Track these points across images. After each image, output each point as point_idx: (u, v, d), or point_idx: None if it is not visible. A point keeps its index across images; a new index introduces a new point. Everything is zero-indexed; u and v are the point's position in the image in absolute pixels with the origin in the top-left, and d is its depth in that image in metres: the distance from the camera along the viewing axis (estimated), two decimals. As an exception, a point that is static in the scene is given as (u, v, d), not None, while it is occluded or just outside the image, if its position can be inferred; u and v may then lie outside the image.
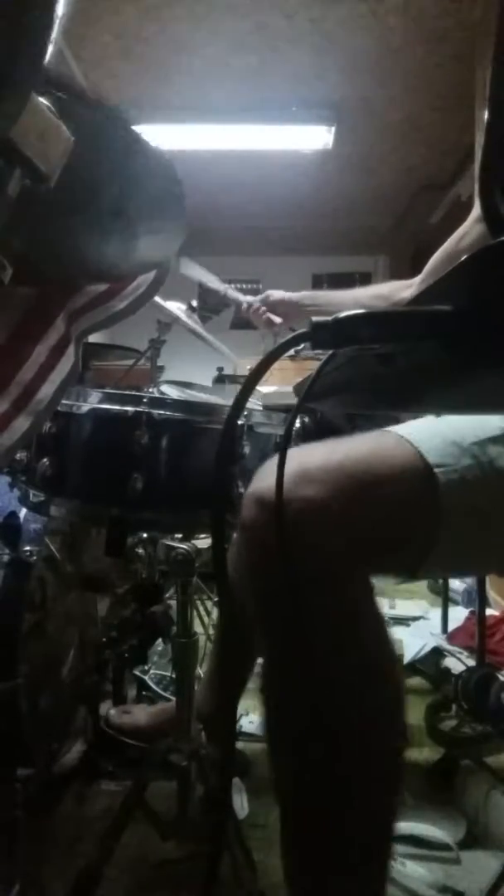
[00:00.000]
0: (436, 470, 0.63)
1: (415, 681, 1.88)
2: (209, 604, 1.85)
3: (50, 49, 0.33)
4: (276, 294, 1.51)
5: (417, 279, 1.32)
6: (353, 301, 1.43)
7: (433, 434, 0.68)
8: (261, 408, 1.03)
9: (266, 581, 0.62)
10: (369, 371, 0.45)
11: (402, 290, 1.35)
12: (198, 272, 1.64)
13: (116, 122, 0.44)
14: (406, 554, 0.66)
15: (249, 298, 1.55)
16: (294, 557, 0.59)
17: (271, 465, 0.64)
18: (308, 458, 0.64)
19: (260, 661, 1.34)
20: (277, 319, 1.49)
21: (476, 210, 1.09)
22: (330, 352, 0.43)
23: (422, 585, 2.72)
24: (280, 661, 0.66)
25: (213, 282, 1.67)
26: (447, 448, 0.66)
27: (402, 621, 2.33)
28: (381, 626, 0.65)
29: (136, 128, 0.45)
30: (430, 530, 0.63)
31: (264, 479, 0.62)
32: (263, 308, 1.50)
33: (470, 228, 1.11)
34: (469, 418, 0.73)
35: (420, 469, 0.64)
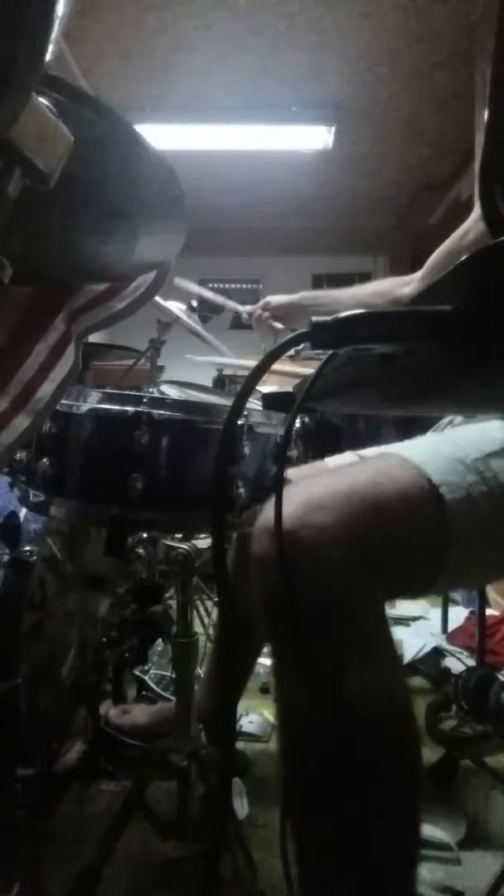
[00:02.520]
0: (441, 489, 0.63)
1: (415, 681, 1.88)
2: (209, 604, 1.85)
3: (50, 49, 0.33)
4: (275, 299, 1.51)
5: (417, 275, 1.32)
6: (352, 299, 1.43)
7: (435, 453, 0.68)
8: (260, 408, 1.03)
9: (281, 612, 0.61)
10: (369, 371, 0.45)
11: (401, 286, 1.35)
12: (193, 289, 1.65)
13: (115, 123, 0.44)
14: (418, 574, 0.66)
15: (248, 308, 1.56)
16: (306, 586, 0.58)
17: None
18: (314, 487, 0.64)
19: (260, 661, 1.35)
20: (279, 326, 1.50)
21: (478, 208, 1.09)
22: (330, 352, 0.43)
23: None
24: (297, 690, 0.64)
25: (210, 296, 1.68)
26: (451, 466, 0.66)
27: (402, 621, 2.33)
28: (393, 648, 0.65)
29: (136, 128, 0.45)
30: (440, 548, 0.63)
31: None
32: (266, 314, 1.51)
33: (472, 226, 1.11)
34: (471, 433, 0.73)
35: (426, 489, 0.64)
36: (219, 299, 1.68)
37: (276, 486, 0.57)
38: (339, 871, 0.62)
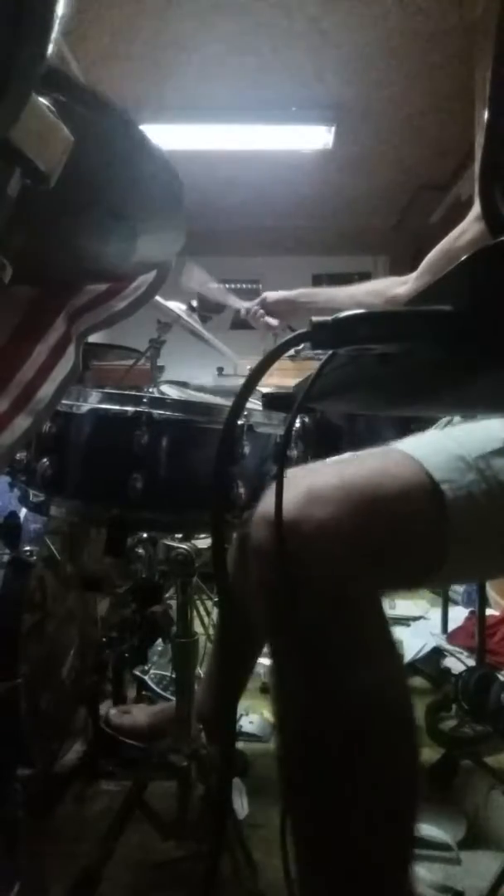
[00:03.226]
0: (442, 486, 0.63)
1: (415, 681, 1.88)
2: (209, 604, 1.85)
3: (50, 49, 0.33)
4: (273, 295, 1.52)
5: (413, 275, 1.32)
6: (348, 297, 1.43)
7: (438, 450, 0.68)
8: (261, 408, 1.03)
9: (278, 602, 0.62)
10: (369, 371, 0.45)
11: (398, 285, 1.35)
12: (199, 278, 1.65)
13: (118, 121, 0.44)
14: (416, 570, 0.66)
15: (247, 304, 1.57)
16: (305, 578, 0.59)
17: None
18: (316, 478, 0.64)
19: (260, 661, 1.35)
20: (275, 322, 1.51)
21: (475, 208, 1.09)
22: (330, 352, 0.43)
23: (422, 585, 2.71)
24: (293, 679, 0.65)
25: (213, 289, 1.68)
26: (453, 463, 0.66)
27: (402, 621, 2.33)
28: (392, 641, 0.65)
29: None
30: (439, 546, 0.63)
31: (273, 500, 0.62)
32: (262, 311, 1.51)
33: (468, 226, 1.12)
34: (473, 432, 0.73)
35: (427, 486, 0.64)
36: (221, 294, 1.68)
37: (276, 487, 0.57)
38: (337, 871, 0.62)
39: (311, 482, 0.63)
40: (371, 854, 0.62)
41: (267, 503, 0.63)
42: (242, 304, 1.60)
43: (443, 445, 0.69)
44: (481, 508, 0.64)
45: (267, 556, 0.61)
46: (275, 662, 0.68)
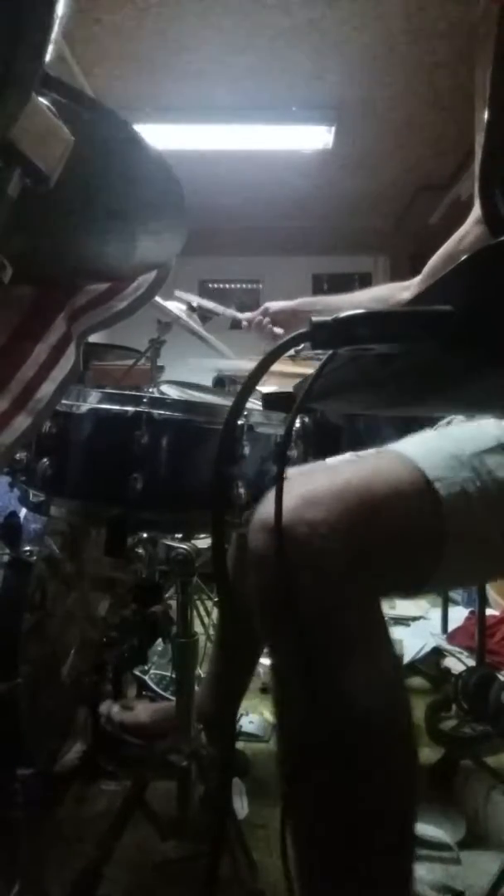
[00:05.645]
0: (435, 484, 0.63)
1: (415, 681, 1.88)
2: (209, 604, 1.85)
3: (50, 49, 0.33)
4: (275, 305, 1.52)
5: (416, 280, 1.32)
6: (351, 304, 1.43)
7: (432, 449, 0.68)
8: (260, 408, 1.03)
9: (277, 608, 0.62)
10: (369, 371, 0.45)
11: (400, 291, 1.35)
12: (194, 300, 1.65)
13: (114, 124, 0.44)
14: (413, 571, 0.66)
15: (248, 315, 1.57)
16: (302, 581, 0.59)
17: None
18: (311, 483, 0.64)
19: (260, 661, 1.35)
20: (279, 331, 1.51)
21: (476, 211, 1.09)
22: (330, 352, 0.43)
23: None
24: (293, 680, 0.65)
25: (210, 306, 1.68)
26: (447, 462, 0.66)
27: (402, 621, 2.33)
28: (390, 644, 0.65)
29: (136, 128, 0.46)
30: (435, 544, 0.63)
31: (271, 505, 0.62)
32: (266, 321, 1.51)
33: (469, 230, 1.12)
34: (467, 431, 0.73)
35: (420, 484, 0.64)
36: (218, 308, 1.69)
37: (277, 486, 0.57)
38: (338, 870, 0.63)
39: (307, 487, 0.63)
40: (371, 854, 0.62)
41: (264, 508, 0.63)
42: (243, 316, 1.60)
43: (437, 445, 0.70)
44: (476, 505, 0.64)
45: (264, 560, 0.61)
46: (274, 663, 0.68)
